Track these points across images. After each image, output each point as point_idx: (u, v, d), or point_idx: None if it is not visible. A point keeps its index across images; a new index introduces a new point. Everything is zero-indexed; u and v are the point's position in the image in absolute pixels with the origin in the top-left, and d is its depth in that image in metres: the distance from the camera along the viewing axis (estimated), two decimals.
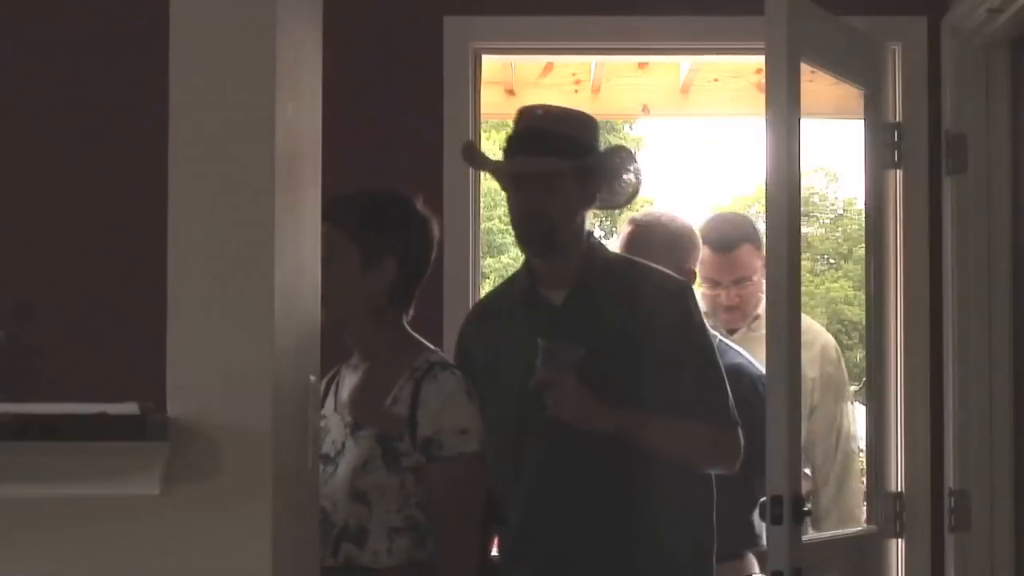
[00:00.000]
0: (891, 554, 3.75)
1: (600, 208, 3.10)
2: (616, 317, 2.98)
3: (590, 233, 3.07)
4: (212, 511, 1.85)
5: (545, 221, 2.97)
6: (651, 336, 2.96)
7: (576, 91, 4.99)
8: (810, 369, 3.91)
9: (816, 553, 3.33)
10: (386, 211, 2.85)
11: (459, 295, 3.78)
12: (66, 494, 1.84)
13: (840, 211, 23.63)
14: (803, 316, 3.90)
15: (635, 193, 3.07)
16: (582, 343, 2.89)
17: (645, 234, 3.79)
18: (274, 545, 1.87)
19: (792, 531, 3.12)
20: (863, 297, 4.03)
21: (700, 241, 3.91)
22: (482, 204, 3.88)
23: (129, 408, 1.81)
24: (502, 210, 25.68)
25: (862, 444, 3.97)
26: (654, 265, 3.12)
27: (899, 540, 3.74)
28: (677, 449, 2.96)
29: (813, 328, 4.06)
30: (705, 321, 3.11)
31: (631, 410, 2.93)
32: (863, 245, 3.96)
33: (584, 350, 2.86)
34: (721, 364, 3.05)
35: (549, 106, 3.15)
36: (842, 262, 22.58)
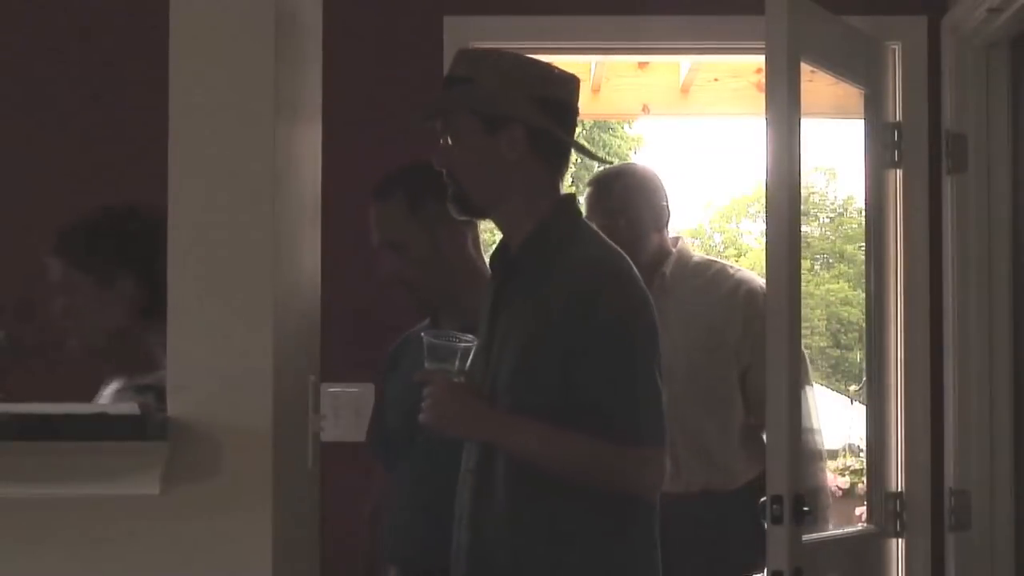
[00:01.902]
0: (891, 554, 3.75)
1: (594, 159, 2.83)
2: (540, 303, 2.55)
3: (561, 200, 2.65)
4: (212, 511, 1.85)
5: (449, 179, 2.64)
6: (573, 331, 2.49)
7: None
8: (729, 318, 3.66)
9: (816, 553, 3.32)
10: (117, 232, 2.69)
11: None
12: (66, 494, 1.84)
13: (839, 210, 23.65)
14: (728, 264, 3.88)
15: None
16: (507, 326, 2.57)
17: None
18: (274, 545, 1.87)
19: (792, 531, 3.12)
20: (862, 296, 4.02)
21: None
22: None
23: (129, 408, 1.81)
24: None
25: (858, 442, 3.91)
26: (615, 254, 2.63)
27: (899, 540, 3.74)
28: (566, 466, 2.48)
29: (728, 272, 3.77)
30: (652, 332, 2.58)
31: (513, 418, 2.53)
32: (862, 244, 3.95)
33: (471, 342, 2.54)
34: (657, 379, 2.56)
35: (475, 50, 2.71)
36: (839, 261, 22.59)
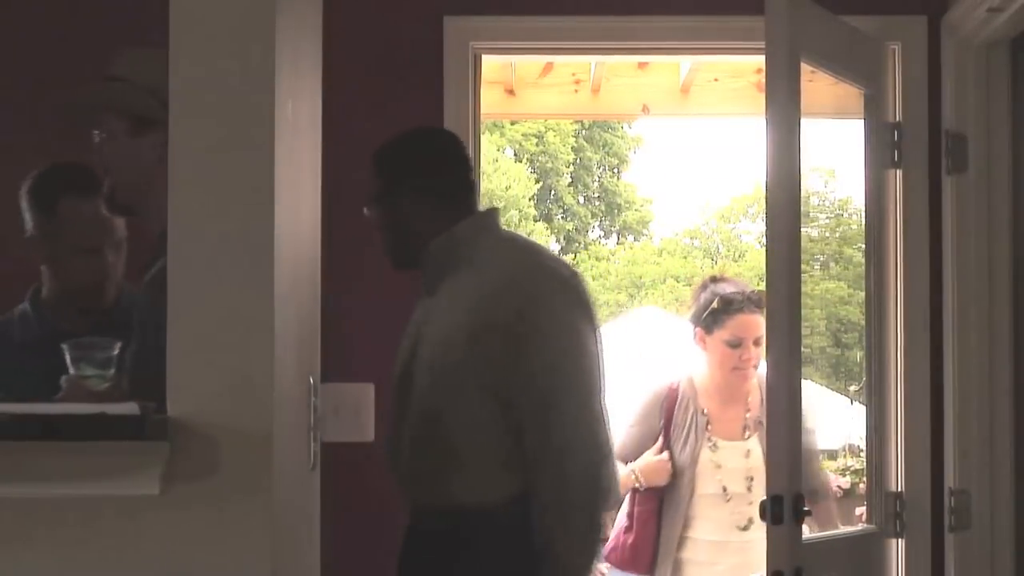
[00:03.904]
0: (891, 554, 3.75)
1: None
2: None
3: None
4: (212, 511, 1.85)
5: (103, 176, 2.68)
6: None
7: (576, 91, 5.00)
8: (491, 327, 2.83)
9: (816, 553, 3.33)
10: None
11: None
12: (66, 494, 1.84)
13: (837, 211, 23.66)
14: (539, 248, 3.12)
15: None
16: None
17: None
18: (274, 545, 1.87)
19: (792, 531, 3.12)
20: (861, 296, 4.02)
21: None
22: (482, 204, 3.86)
23: (129, 408, 1.81)
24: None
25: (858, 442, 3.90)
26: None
27: (899, 540, 3.74)
28: None
29: (528, 254, 2.98)
30: None
31: None
32: (859, 246, 3.96)
33: (116, 347, 2.53)
34: None
35: (135, 51, 2.65)
36: (836, 263, 22.60)
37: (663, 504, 4.15)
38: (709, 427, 4.13)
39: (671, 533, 4.13)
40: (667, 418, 4.17)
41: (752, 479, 4.08)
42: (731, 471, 4.11)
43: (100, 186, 2.69)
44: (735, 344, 4.13)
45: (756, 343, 4.13)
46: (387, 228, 3.04)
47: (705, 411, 4.15)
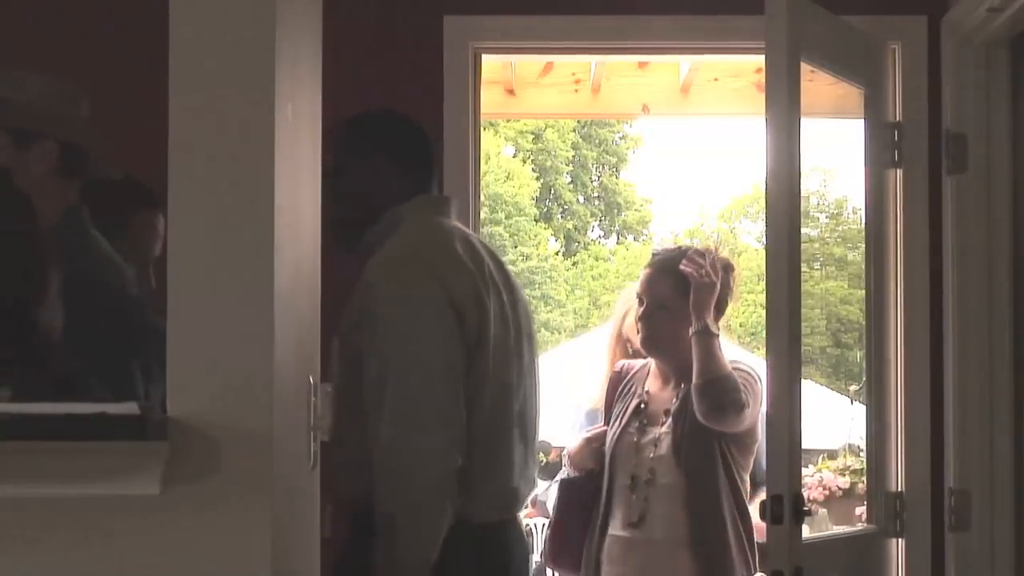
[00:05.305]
0: (891, 554, 3.75)
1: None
2: None
3: (68, 211, 2.71)
4: (212, 511, 1.85)
5: None
6: None
7: (576, 91, 5.00)
8: None
9: (816, 553, 3.33)
10: None
11: None
12: (66, 494, 1.84)
13: (834, 211, 23.66)
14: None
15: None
16: None
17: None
18: (274, 545, 1.87)
19: (792, 531, 3.12)
20: (861, 296, 4.01)
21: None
22: (483, 206, 3.87)
23: (129, 408, 1.81)
24: (503, 213, 25.65)
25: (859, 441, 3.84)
26: (105, 264, 2.70)
27: (899, 540, 3.75)
28: None
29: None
30: None
31: None
32: (856, 245, 3.95)
33: None
34: None
35: None
36: (831, 264, 22.61)
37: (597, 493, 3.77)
38: (644, 407, 3.78)
39: (592, 527, 3.76)
40: (608, 400, 3.86)
41: (653, 471, 3.69)
42: (643, 459, 3.71)
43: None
44: (639, 301, 3.81)
45: (660, 308, 3.76)
46: (345, 199, 2.90)
47: (645, 390, 3.82)
